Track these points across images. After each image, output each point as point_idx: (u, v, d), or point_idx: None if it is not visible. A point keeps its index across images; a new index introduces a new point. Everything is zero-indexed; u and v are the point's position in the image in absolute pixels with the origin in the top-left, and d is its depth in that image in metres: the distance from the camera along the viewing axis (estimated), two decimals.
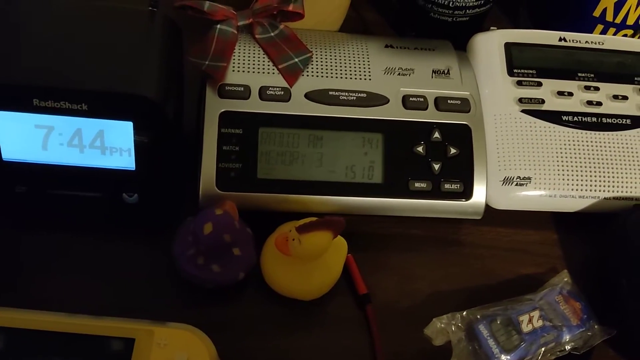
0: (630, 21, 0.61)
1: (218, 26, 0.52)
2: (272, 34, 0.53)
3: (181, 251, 0.46)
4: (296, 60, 0.52)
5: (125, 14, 0.48)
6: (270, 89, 0.50)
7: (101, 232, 0.49)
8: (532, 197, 0.53)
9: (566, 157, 0.53)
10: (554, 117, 0.54)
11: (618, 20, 0.61)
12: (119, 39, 0.46)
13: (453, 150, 0.51)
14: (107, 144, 0.45)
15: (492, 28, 0.58)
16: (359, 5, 0.68)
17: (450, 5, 0.60)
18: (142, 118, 0.43)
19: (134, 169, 0.46)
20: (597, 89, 0.56)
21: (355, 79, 0.52)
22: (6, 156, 0.44)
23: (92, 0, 0.48)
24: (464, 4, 0.60)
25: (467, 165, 0.51)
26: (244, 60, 0.51)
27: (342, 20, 0.62)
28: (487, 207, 0.52)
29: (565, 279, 0.50)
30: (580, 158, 0.53)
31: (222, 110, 0.49)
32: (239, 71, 0.51)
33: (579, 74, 0.56)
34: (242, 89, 0.50)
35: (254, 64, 0.51)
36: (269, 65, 0.52)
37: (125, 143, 0.45)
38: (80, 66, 0.43)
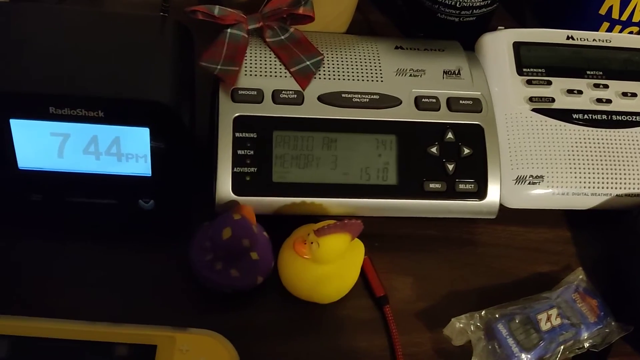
0: (636, 19, 0.62)
1: (229, 30, 0.52)
2: (283, 37, 0.53)
3: (199, 257, 0.45)
4: (308, 63, 0.52)
5: (137, 20, 0.48)
6: (283, 92, 0.50)
7: (117, 239, 0.49)
8: (544, 196, 0.53)
9: (577, 155, 0.53)
10: (565, 115, 0.54)
11: (624, 17, 0.61)
12: (132, 46, 0.45)
13: (466, 151, 0.51)
14: (124, 151, 0.45)
15: (499, 27, 0.59)
16: (365, 8, 0.68)
17: (457, 5, 0.60)
18: (158, 124, 0.43)
19: (150, 175, 0.46)
20: (606, 86, 0.56)
21: (367, 80, 0.52)
22: (22, 165, 0.44)
23: (103, 8, 0.47)
24: (470, 4, 0.60)
25: (480, 165, 0.51)
26: (255, 64, 0.51)
27: (348, 22, 0.62)
28: (501, 206, 0.52)
29: (581, 277, 0.50)
30: (591, 156, 0.53)
31: (236, 114, 0.49)
32: (251, 75, 0.51)
33: (588, 72, 0.57)
34: (255, 92, 0.50)
35: (265, 68, 0.51)
36: (280, 68, 0.52)
37: (141, 149, 0.44)
38: (95, 73, 0.43)
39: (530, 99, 0.55)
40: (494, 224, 0.54)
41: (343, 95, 0.51)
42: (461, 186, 0.50)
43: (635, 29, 0.62)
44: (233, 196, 0.48)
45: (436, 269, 0.51)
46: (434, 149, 0.51)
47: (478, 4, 0.60)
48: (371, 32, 0.67)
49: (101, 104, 0.42)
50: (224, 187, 0.48)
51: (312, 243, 0.45)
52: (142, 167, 0.45)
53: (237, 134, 0.49)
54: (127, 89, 0.43)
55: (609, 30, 0.63)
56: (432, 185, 0.50)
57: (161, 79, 0.44)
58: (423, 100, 0.52)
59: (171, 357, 0.41)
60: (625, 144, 0.54)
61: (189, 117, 0.45)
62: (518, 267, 0.52)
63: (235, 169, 0.48)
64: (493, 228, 0.54)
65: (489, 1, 0.60)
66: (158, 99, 0.42)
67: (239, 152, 0.48)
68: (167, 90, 0.44)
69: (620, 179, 0.53)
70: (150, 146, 0.44)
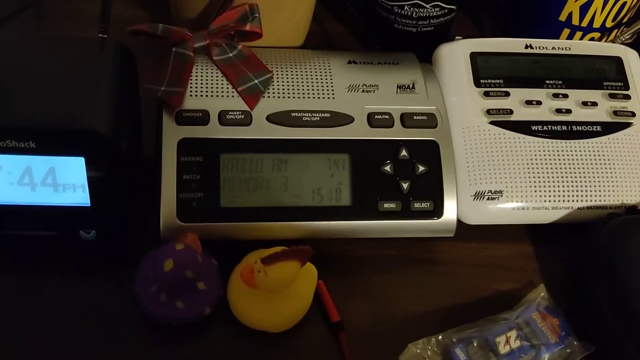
0: (597, 24, 0.60)
1: (174, 49, 0.50)
2: (231, 55, 0.51)
3: (142, 289, 0.44)
4: (256, 81, 0.50)
5: (74, 43, 0.46)
6: (230, 113, 0.48)
7: (59, 271, 0.47)
8: (505, 211, 0.51)
9: (538, 168, 0.52)
10: (524, 127, 0.53)
11: (584, 23, 0.60)
12: (67, 71, 0.44)
13: (421, 168, 0.49)
14: (60, 181, 0.43)
15: (457, 37, 0.57)
16: (322, 18, 0.66)
17: (414, 15, 0.58)
18: (94, 153, 0.41)
19: (89, 205, 0.44)
20: (565, 96, 0.55)
21: (319, 98, 0.51)
22: None
23: (39, 31, 0.45)
24: (427, 14, 0.58)
25: (436, 183, 0.49)
26: (201, 84, 0.50)
27: (305, 34, 0.61)
28: (460, 222, 0.51)
29: (542, 294, 0.49)
30: (551, 168, 0.52)
31: (181, 137, 0.47)
32: (196, 96, 0.49)
33: (547, 82, 0.55)
34: (200, 114, 0.48)
35: (212, 88, 0.50)
36: (228, 88, 0.50)
37: (78, 179, 0.43)
38: (27, 102, 0.41)
39: (488, 112, 0.53)
40: (453, 241, 0.52)
41: (293, 114, 0.49)
42: (416, 205, 0.49)
43: (596, 35, 0.61)
44: (179, 223, 0.46)
45: (394, 290, 0.50)
46: (387, 168, 0.49)
47: (435, 14, 0.59)
48: (328, 43, 0.65)
49: (32, 135, 0.40)
50: (169, 214, 0.46)
51: (259, 271, 0.43)
52: (80, 197, 0.43)
53: (182, 158, 0.47)
54: (60, 118, 0.41)
55: (570, 36, 0.61)
56: (386, 205, 0.49)
57: (97, 106, 0.42)
58: (376, 117, 0.50)
59: None
60: (585, 155, 0.53)
61: (128, 144, 0.43)
62: (479, 285, 0.51)
63: (180, 195, 0.46)
64: (453, 245, 0.53)
65: (446, 10, 0.59)
66: (92, 128, 0.41)
67: (185, 176, 0.47)
68: (103, 117, 0.42)
69: (582, 191, 0.52)
70: (87, 176, 0.42)
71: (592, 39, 0.62)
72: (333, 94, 0.51)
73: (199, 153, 0.47)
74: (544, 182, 0.52)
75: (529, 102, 0.54)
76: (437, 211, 0.49)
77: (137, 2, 0.64)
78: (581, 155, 0.53)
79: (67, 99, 0.42)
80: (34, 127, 0.40)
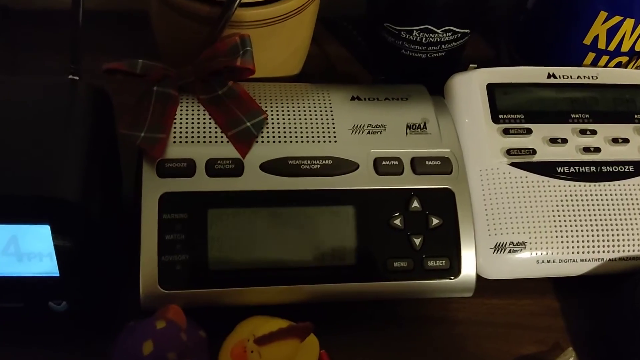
0: (625, 48, 0.54)
1: (155, 88, 0.44)
2: (219, 92, 0.45)
3: None
4: (248, 124, 0.44)
5: (40, 87, 0.40)
6: (219, 162, 0.43)
7: (29, 343, 0.42)
8: (528, 264, 0.46)
9: (564, 215, 0.46)
10: (548, 169, 0.48)
11: (611, 47, 0.54)
12: (31, 123, 0.38)
13: (435, 221, 0.44)
14: (24, 250, 0.37)
15: (471, 66, 0.51)
16: (322, 41, 0.61)
17: (424, 41, 0.53)
18: (61, 220, 0.36)
19: (58, 274, 0.38)
20: (594, 132, 0.49)
21: (319, 141, 0.45)
22: None
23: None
24: (438, 39, 0.53)
25: (452, 237, 0.44)
26: (186, 128, 0.44)
27: (302, 62, 0.55)
28: (478, 277, 0.45)
29: (571, 359, 0.44)
30: (579, 215, 0.47)
31: (163, 192, 0.42)
32: (181, 142, 0.43)
33: (573, 115, 0.50)
34: (185, 164, 0.42)
35: (198, 133, 0.44)
36: (216, 132, 0.44)
37: (44, 247, 0.37)
38: None
39: (508, 152, 0.48)
40: (471, 297, 0.47)
41: (290, 161, 0.44)
42: (430, 263, 0.43)
43: (624, 59, 0.55)
44: (161, 291, 0.41)
45: (406, 356, 0.45)
46: (397, 221, 0.43)
47: (447, 38, 0.53)
48: (329, 68, 0.60)
49: None
50: (150, 280, 0.41)
51: (252, 352, 0.37)
52: (47, 266, 0.38)
53: (164, 216, 0.41)
54: (19, 182, 0.35)
55: (595, 61, 0.56)
56: (396, 264, 0.43)
57: (66, 165, 0.37)
58: (383, 162, 0.45)
59: None
60: (617, 199, 0.47)
61: (100, 207, 0.38)
62: (500, 349, 0.46)
63: (162, 258, 0.41)
64: (471, 302, 0.47)
65: (459, 35, 0.53)
66: (58, 194, 0.35)
67: (167, 236, 0.41)
68: (71, 179, 0.36)
69: (614, 240, 0.47)
70: (54, 244, 0.37)
71: (618, 64, 0.56)
72: (335, 137, 0.45)
73: (184, 209, 0.42)
74: (572, 230, 0.46)
75: (553, 141, 0.48)
76: (454, 269, 0.44)
77: (117, 26, 0.59)
78: (612, 199, 0.47)
79: (30, 157, 0.36)
80: None
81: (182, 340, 0.38)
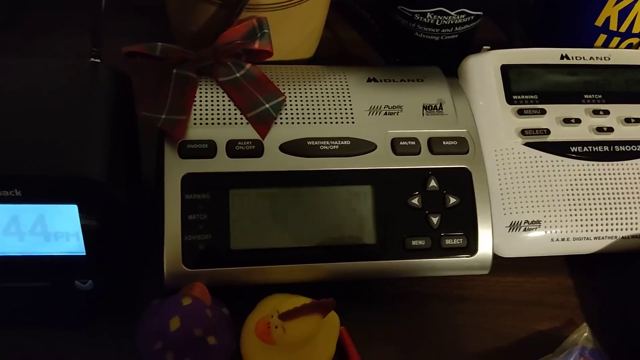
0: (637, 29, 0.55)
1: (174, 71, 0.45)
2: (238, 75, 0.46)
3: (146, 346, 0.39)
4: (267, 106, 0.45)
5: (62, 70, 0.41)
6: (240, 143, 0.44)
7: (55, 325, 0.42)
8: (543, 242, 0.47)
9: (577, 194, 0.47)
10: (562, 148, 0.48)
11: (623, 29, 0.55)
12: (55, 104, 0.39)
13: (452, 200, 0.44)
14: (51, 230, 0.38)
15: (485, 48, 0.52)
16: (335, 25, 0.61)
17: (437, 23, 0.53)
18: (88, 200, 0.37)
19: (84, 254, 0.39)
20: (606, 112, 0.50)
21: (337, 123, 0.46)
22: None
23: (19, 57, 0.40)
24: (452, 22, 0.53)
25: (469, 216, 0.44)
26: (206, 110, 0.45)
27: (316, 45, 0.55)
28: (494, 255, 0.46)
29: (585, 334, 0.44)
30: (593, 194, 0.47)
31: (185, 173, 0.42)
32: (201, 124, 0.44)
33: (586, 96, 0.50)
34: (206, 145, 0.43)
35: (218, 114, 0.45)
36: (236, 114, 0.45)
37: (71, 227, 0.38)
38: (10, 145, 0.36)
39: (523, 132, 0.48)
40: (487, 275, 0.47)
41: (309, 142, 0.44)
42: (448, 241, 0.44)
43: (635, 40, 0.56)
44: (185, 269, 0.41)
45: (423, 333, 0.45)
46: (415, 200, 0.44)
47: (460, 20, 0.53)
48: (342, 53, 0.60)
49: (17, 183, 0.35)
50: (174, 259, 0.41)
51: (276, 327, 0.38)
52: (74, 246, 0.39)
53: (186, 196, 0.42)
54: (48, 163, 0.36)
55: (606, 42, 0.56)
56: (414, 242, 0.44)
57: (90, 147, 0.37)
58: (401, 143, 0.45)
59: None
60: (630, 178, 0.48)
61: (125, 187, 0.38)
62: (515, 325, 0.46)
63: (185, 237, 0.42)
64: (486, 280, 0.48)
65: (472, 17, 0.54)
66: (85, 175, 0.36)
67: (190, 217, 0.42)
68: (96, 160, 0.37)
69: (627, 218, 0.47)
70: (81, 224, 0.38)
71: (629, 45, 0.56)
72: (352, 118, 0.46)
73: (206, 190, 0.42)
74: (585, 209, 0.47)
75: (567, 121, 0.49)
76: (471, 247, 0.44)
77: (133, 12, 0.59)
78: (625, 178, 0.48)
79: (56, 139, 0.37)
80: (20, 174, 0.35)
81: (207, 316, 0.39)
